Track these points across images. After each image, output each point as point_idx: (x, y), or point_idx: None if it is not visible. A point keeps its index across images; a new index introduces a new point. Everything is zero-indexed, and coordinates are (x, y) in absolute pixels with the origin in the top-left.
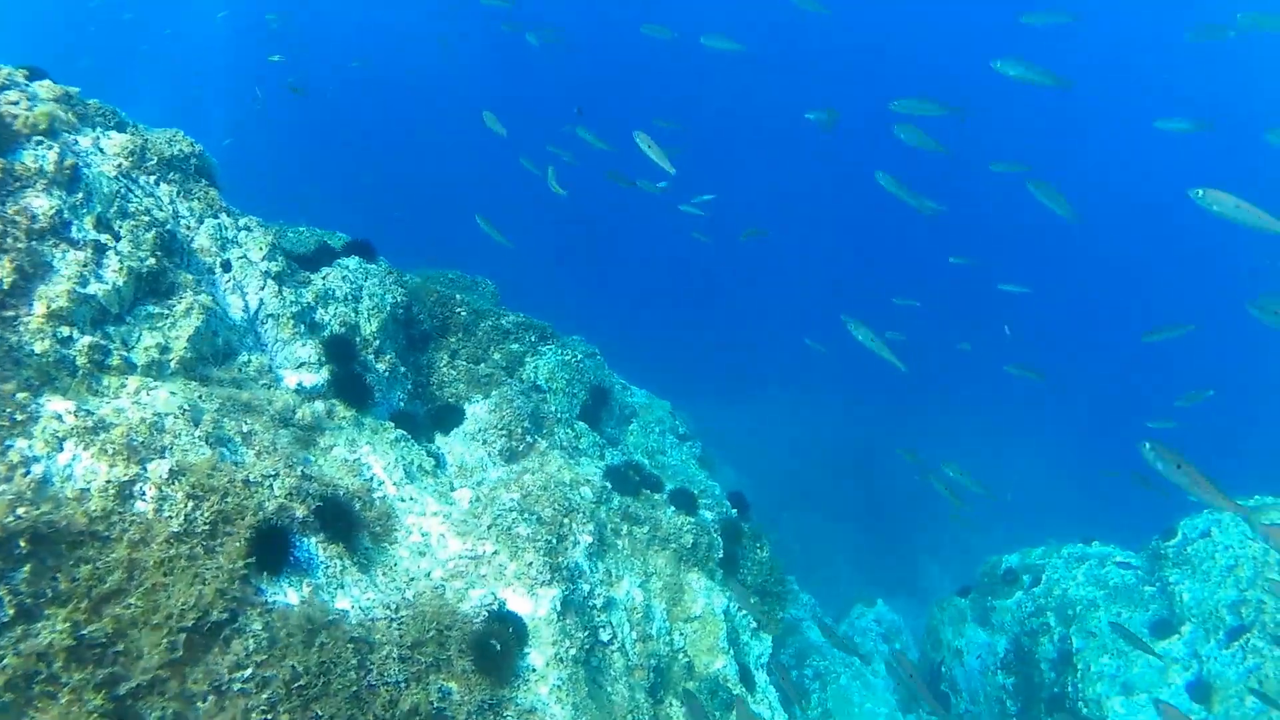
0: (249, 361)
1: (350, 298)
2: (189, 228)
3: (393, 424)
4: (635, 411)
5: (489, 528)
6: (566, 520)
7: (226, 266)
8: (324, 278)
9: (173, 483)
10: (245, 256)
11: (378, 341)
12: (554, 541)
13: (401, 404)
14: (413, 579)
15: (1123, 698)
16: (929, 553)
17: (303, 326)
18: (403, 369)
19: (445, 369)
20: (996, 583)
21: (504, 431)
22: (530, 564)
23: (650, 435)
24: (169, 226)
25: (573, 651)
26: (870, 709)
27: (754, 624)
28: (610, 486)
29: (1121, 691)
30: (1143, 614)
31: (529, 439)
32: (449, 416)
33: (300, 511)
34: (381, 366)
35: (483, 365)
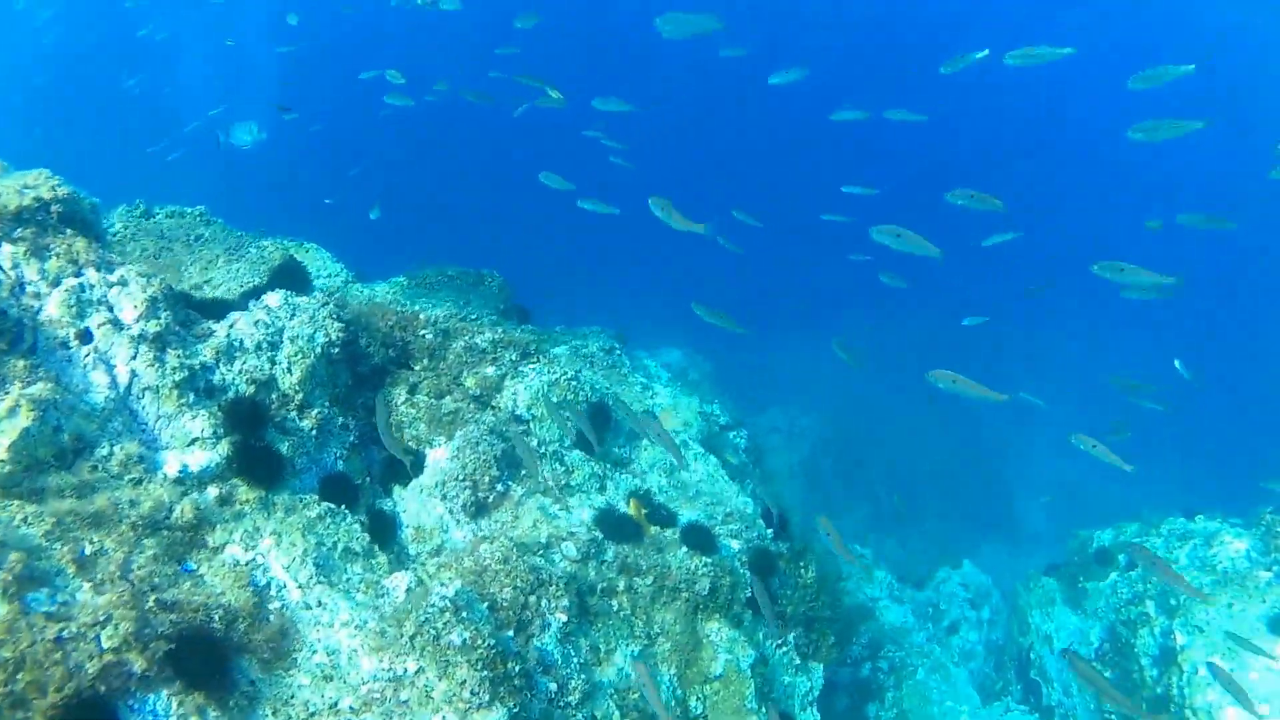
0: (111, 455)
1: (266, 345)
2: (36, 296)
3: (317, 497)
4: (654, 420)
5: (412, 637)
6: (533, 598)
7: (86, 337)
8: (231, 325)
9: None
10: (112, 320)
11: (302, 394)
12: (500, 646)
13: (339, 463)
14: (313, 715)
15: (1238, 708)
16: (1027, 490)
17: (192, 394)
18: (341, 420)
19: (403, 407)
20: (1088, 562)
21: (467, 483)
22: (464, 682)
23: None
24: None
25: None
26: (951, 708)
27: (797, 659)
28: (603, 536)
29: (1237, 700)
30: (1259, 605)
31: (500, 487)
32: (399, 470)
33: (139, 665)
34: (307, 424)
35: (448, 399)
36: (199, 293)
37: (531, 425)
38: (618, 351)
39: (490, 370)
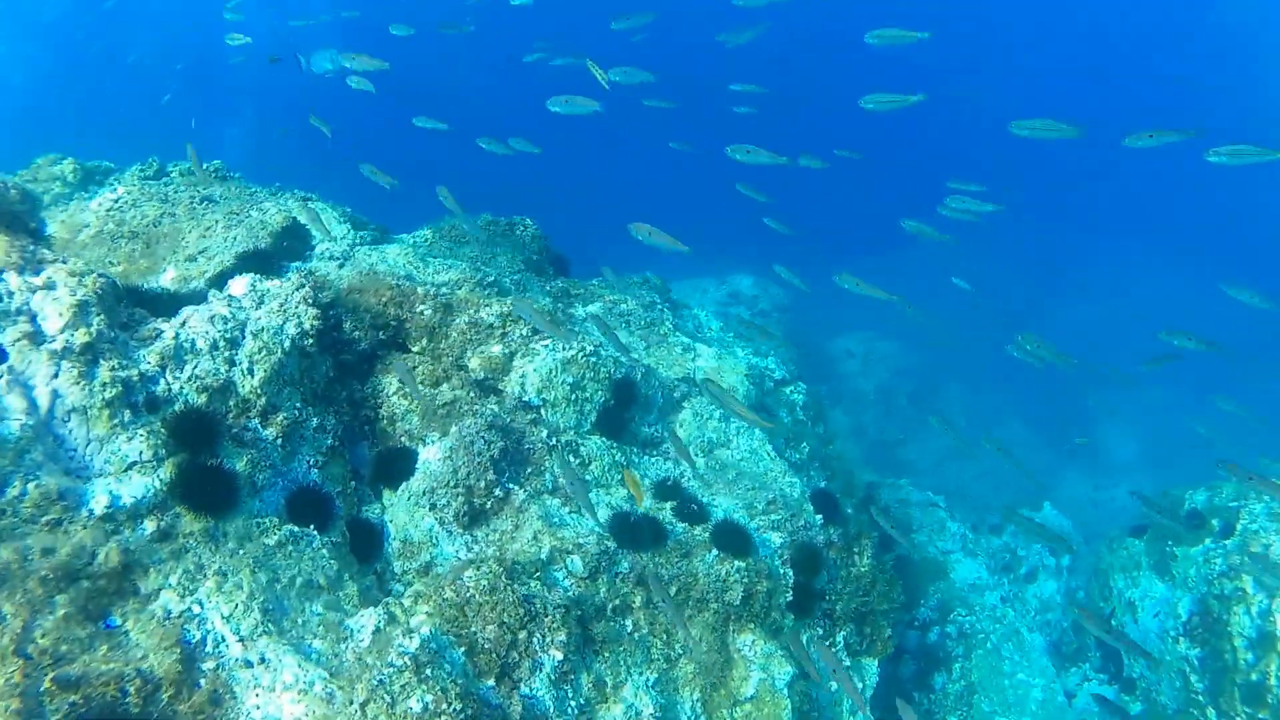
0: (23, 494)
1: (223, 344)
2: None
3: (278, 520)
4: (689, 394)
5: (364, 705)
6: (523, 634)
7: (0, 355)
8: (183, 324)
9: None
10: (33, 333)
11: (265, 398)
12: (471, 709)
13: (313, 472)
14: None
15: None
16: (1110, 415)
17: (128, 411)
18: (316, 421)
19: (395, 398)
20: (1179, 525)
21: (459, 489)
22: None
23: (708, 423)
24: None
25: None
26: (1023, 680)
27: (846, 659)
28: (616, 546)
29: None
30: None
31: (499, 491)
32: (397, 466)
33: None
34: (271, 432)
35: (445, 387)
36: (192, 265)
37: (543, 410)
38: (659, 306)
39: (497, 349)
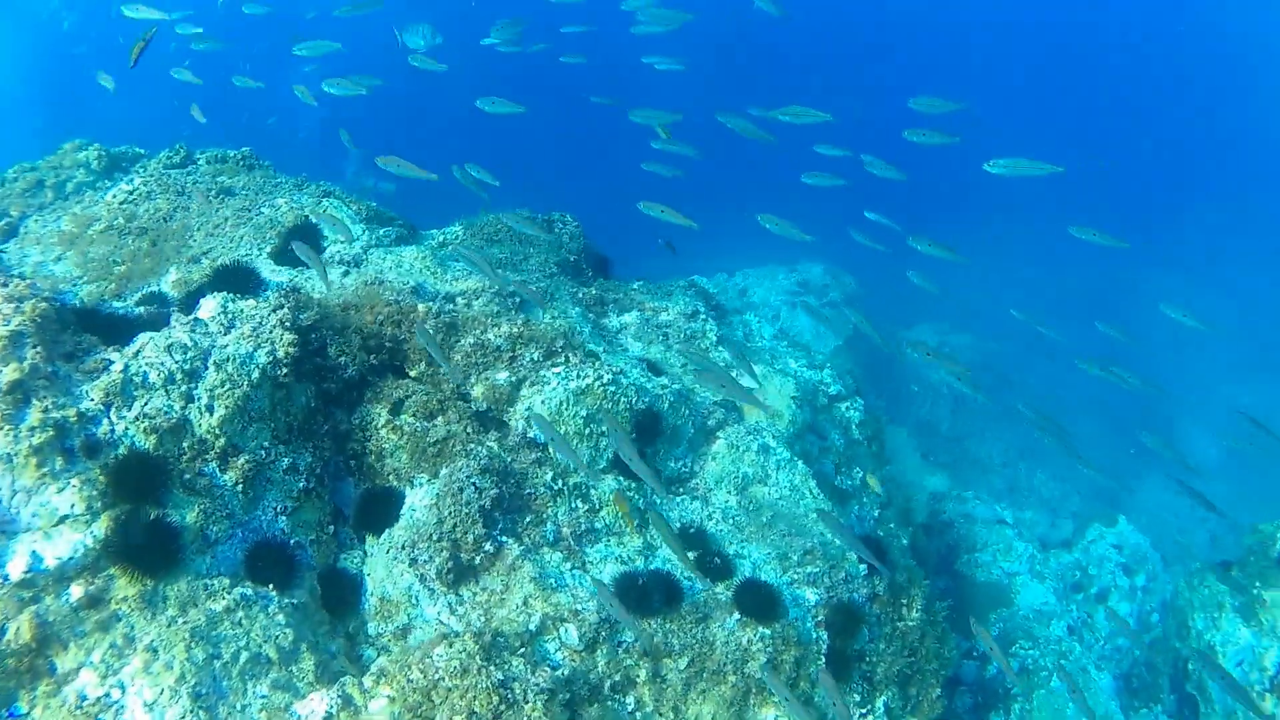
0: None
1: (180, 376)
2: None
3: (229, 580)
4: (725, 421)
5: None
6: None
7: None
8: (136, 354)
9: None
10: None
11: (225, 438)
12: None
13: (280, 519)
14: None
15: None
16: (1191, 413)
17: (59, 459)
18: (289, 460)
19: (384, 431)
20: (1269, 566)
21: (443, 543)
22: None
23: (745, 455)
24: None
25: None
26: None
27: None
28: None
29: None
30: None
31: (489, 545)
32: (381, 510)
33: None
34: (231, 476)
35: (440, 420)
36: (194, 268)
37: (551, 448)
38: (701, 315)
39: (503, 376)
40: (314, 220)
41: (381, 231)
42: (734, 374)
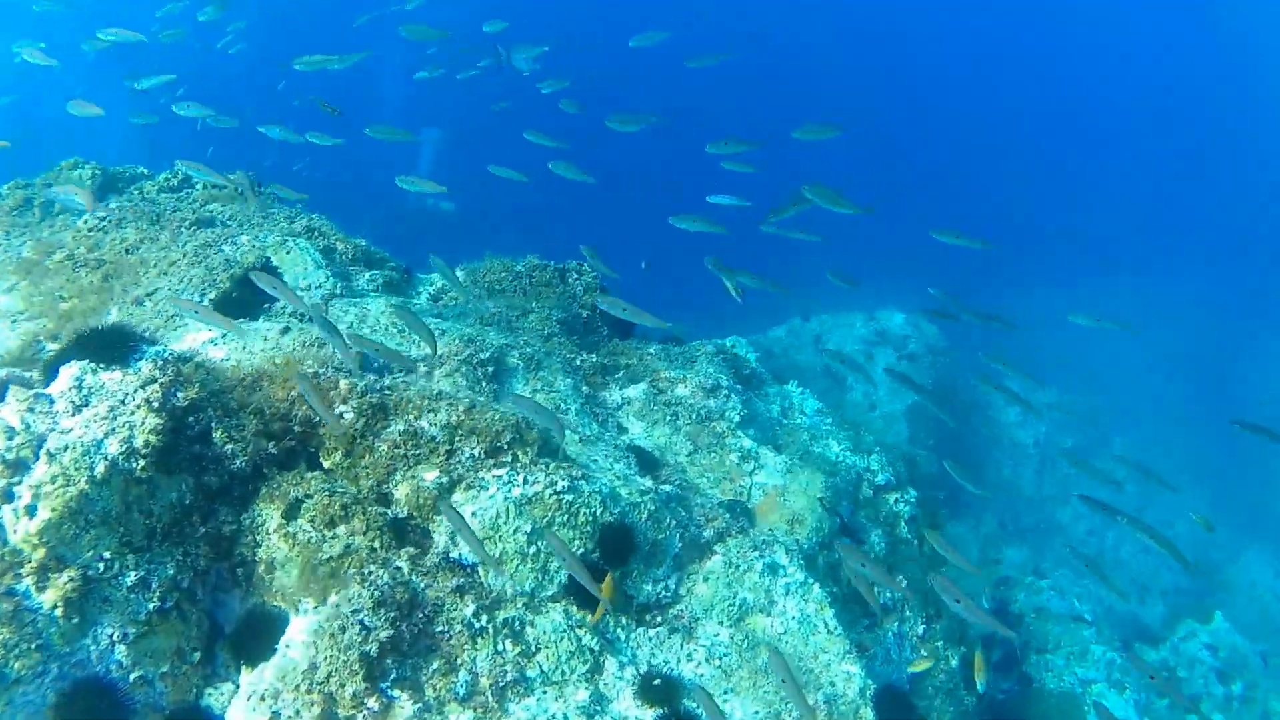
0: None
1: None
2: None
3: None
4: (726, 531)
5: None
6: None
7: None
8: None
9: None
10: None
11: (47, 549)
12: None
13: (115, 649)
14: None
15: None
16: None
17: None
18: (133, 576)
19: (276, 538)
20: None
21: (314, 695)
22: None
23: (745, 576)
24: None
25: None
26: None
27: None
28: None
29: None
30: None
31: (374, 702)
32: (263, 636)
33: None
34: (49, 598)
35: (342, 530)
36: (138, 310)
37: (482, 570)
38: (724, 390)
39: (431, 476)
40: (276, 261)
41: (368, 276)
42: (750, 469)
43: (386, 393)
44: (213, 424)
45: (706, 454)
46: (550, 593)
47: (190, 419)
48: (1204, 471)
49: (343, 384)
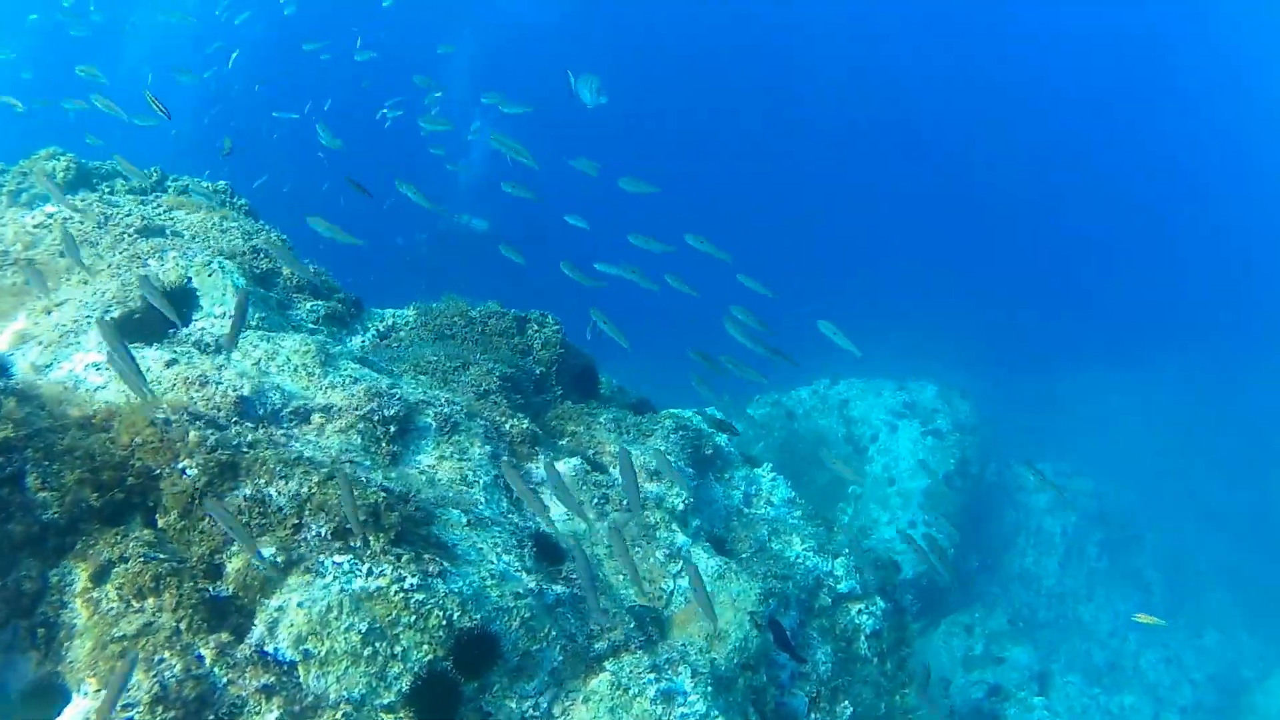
0: None
1: None
2: None
3: None
4: (623, 645)
5: None
6: None
7: None
8: None
9: None
10: None
11: None
12: None
13: None
14: None
15: None
16: None
17: None
18: None
19: (79, 603)
20: None
21: None
22: None
23: (633, 703)
24: None
25: None
26: None
27: None
28: None
29: None
30: None
31: None
32: (39, 715)
33: None
34: None
35: (149, 603)
36: (45, 320)
37: (304, 670)
38: (668, 475)
39: (268, 553)
40: (196, 284)
41: (309, 306)
42: (676, 570)
43: (243, 450)
44: (25, 468)
45: (630, 549)
46: (385, 701)
47: (7, 458)
48: (1240, 578)
49: (191, 435)
